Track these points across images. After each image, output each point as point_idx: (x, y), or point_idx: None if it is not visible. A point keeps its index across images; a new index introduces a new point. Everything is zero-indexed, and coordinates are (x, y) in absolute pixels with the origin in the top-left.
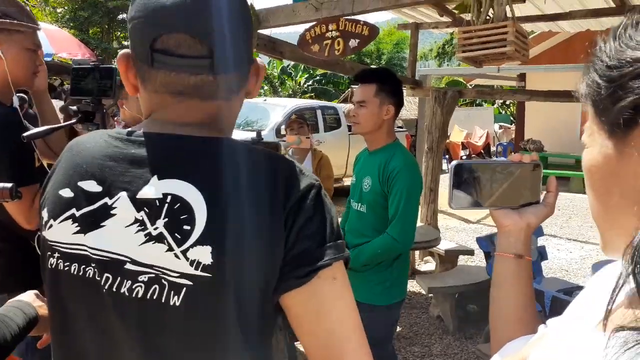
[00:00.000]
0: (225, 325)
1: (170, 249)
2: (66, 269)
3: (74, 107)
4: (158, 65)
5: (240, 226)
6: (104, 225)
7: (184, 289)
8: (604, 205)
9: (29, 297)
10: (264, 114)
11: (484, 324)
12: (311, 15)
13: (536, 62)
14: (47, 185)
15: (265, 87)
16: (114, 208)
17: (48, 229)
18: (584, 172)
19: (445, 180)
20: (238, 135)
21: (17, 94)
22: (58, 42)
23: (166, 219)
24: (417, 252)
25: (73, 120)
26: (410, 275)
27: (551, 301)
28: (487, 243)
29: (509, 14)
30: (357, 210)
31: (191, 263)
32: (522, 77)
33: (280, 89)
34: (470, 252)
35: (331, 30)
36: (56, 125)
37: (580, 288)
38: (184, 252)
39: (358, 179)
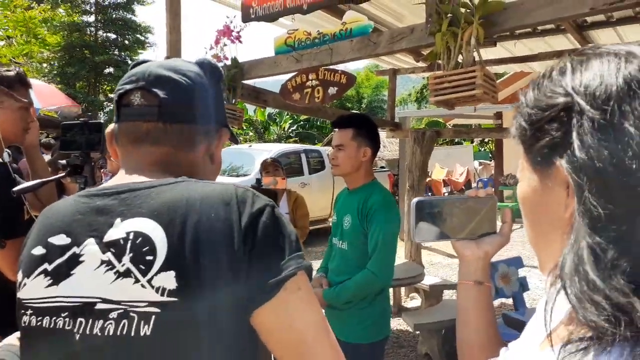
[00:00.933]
0: (199, 348)
1: (137, 280)
2: (38, 324)
3: (63, 161)
4: (122, 118)
5: (198, 248)
6: (74, 273)
7: (153, 317)
8: (535, 231)
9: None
10: (249, 160)
11: None
12: (292, 66)
13: (511, 100)
14: (23, 249)
15: (251, 134)
16: (82, 255)
17: (22, 289)
18: (519, 203)
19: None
20: (224, 181)
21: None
22: (45, 96)
23: (131, 254)
24: (402, 289)
25: (62, 174)
26: (397, 312)
27: None
28: None
29: (477, 58)
30: (340, 247)
31: (157, 290)
32: (498, 115)
33: (265, 135)
34: (455, 286)
35: (311, 80)
36: (45, 179)
37: None
38: (149, 281)
39: (339, 217)
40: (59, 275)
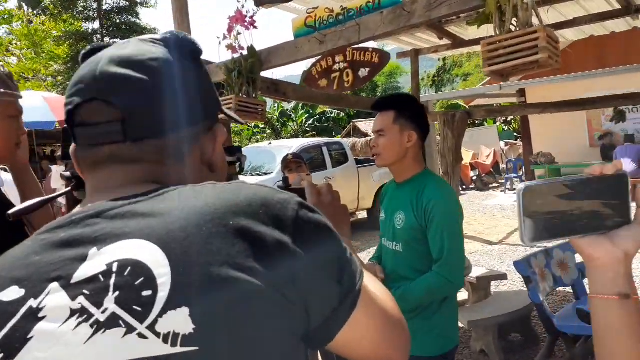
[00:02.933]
0: None
1: (130, 329)
2: None
3: (67, 173)
4: (80, 142)
5: (222, 269)
6: (31, 337)
7: None
8: None
9: None
10: (269, 158)
11: (531, 354)
12: (315, 49)
13: (534, 76)
14: None
15: (268, 131)
16: (42, 309)
17: None
18: None
19: (466, 203)
20: (246, 180)
21: None
22: (59, 109)
23: (117, 293)
24: None
25: (63, 191)
26: None
27: None
28: (525, 267)
29: (534, 20)
30: (393, 250)
31: (165, 339)
32: (521, 92)
33: (282, 131)
34: (503, 277)
35: (338, 62)
36: (46, 197)
37: None
38: (151, 327)
39: (388, 215)
40: (10, 349)
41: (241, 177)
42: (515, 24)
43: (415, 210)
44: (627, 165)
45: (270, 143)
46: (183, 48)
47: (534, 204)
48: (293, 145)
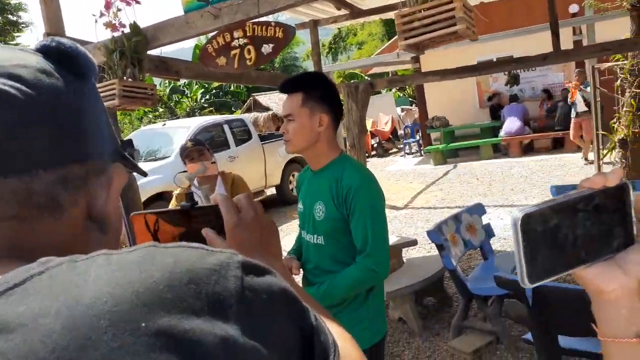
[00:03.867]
0: None
1: None
2: None
3: None
4: None
5: None
6: None
7: None
8: None
9: None
10: (165, 140)
11: (446, 316)
12: (210, 24)
13: None
14: None
15: (161, 109)
16: None
17: None
18: None
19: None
20: (142, 167)
21: None
22: None
23: None
24: None
25: None
26: None
27: (533, 292)
28: (438, 235)
29: None
30: (314, 243)
31: None
32: (415, 59)
33: (176, 109)
34: (414, 243)
35: (237, 38)
36: None
37: None
38: None
39: (306, 206)
40: None
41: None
42: None
43: (335, 199)
44: (514, 123)
45: (164, 124)
46: (67, 61)
47: (533, 234)
48: (191, 125)
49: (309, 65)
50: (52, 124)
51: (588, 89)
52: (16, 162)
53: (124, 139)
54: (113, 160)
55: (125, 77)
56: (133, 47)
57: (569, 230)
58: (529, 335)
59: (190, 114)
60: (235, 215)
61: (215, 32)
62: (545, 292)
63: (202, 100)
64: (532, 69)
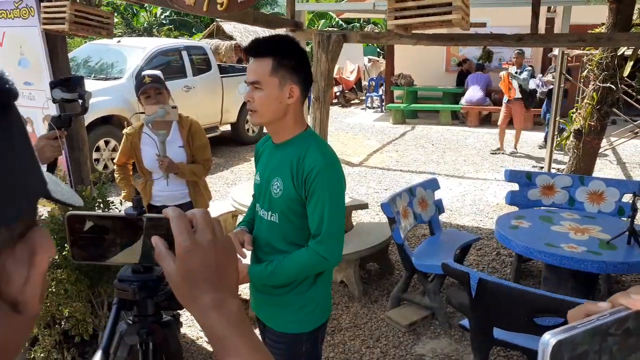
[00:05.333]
0: None
1: None
2: None
3: None
4: None
5: None
6: None
7: None
8: None
9: None
10: (120, 58)
11: (387, 283)
12: None
13: None
14: None
15: (116, 20)
16: None
17: None
18: None
19: (329, 121)
20: (90, 85)
21: None
22: None
23: None
24: None
25: None
26: None
27: (478, 284)
28: (391, 208)
29: None
30: (268, 220)
31: None
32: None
33: (133, 22)
34: (364, 206)
35: None
36: None
37: (477, 239)
38: None
39: (263, 180)
40: None
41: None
42: None
43: (295, 178)
44: (476, 92)
45: (119, 41)
46: None
47: None
48: (147, 45)
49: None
50: None
51: (524, 74)
52: None
53: (73, 76)
54: (33, 222)
55: (78, 0)
56: None
57: (596, 356)
58: (465, 322)
59: (148, 29)
60: (189, 238)
61: None
62: (488, 285)
63: (162, 17)
64: None
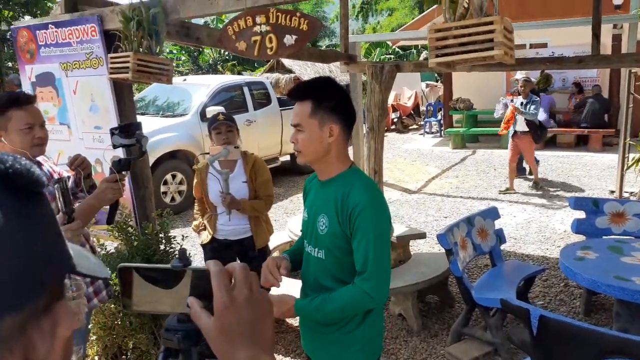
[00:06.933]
0: None
1: None
2: None
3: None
4: None
5: None
6: None
7: None
8: None
9: None
10: (185, 96)
11: (447, 316)
12: (232, 4)
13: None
14: None
15: (183, 58)
16: None
17: None
18: None
19: (386, 147)
20: (159, 122)
21: None
22: None
23: None
24: None
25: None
26: None
27: (539, 321)
28: (448, 240)
29: (487, 6)
30: (315, 256)
31: None
32: None
33: (199, 59)
34: (422, 236)
35: (260, 24)
36: None
37: (542, 270)
38: None
39: (310, 216)
40: None
41: (153, 119)
42: (466, 6)
43: (340, 215)
44: (541, 115)
45: (185, 79)
46: (7, 183)
47: None
48: (210, 83)
49: (338, 27)
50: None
51: (532, 108)
52: None
53: (131, 123)
54: (61, 296)
55: (141, 50)
56: (151, 19)
57: None
58: None
59: (213, 66)
60: (227, 295)
61: (238, 13)
62: (551, 323)
63: (226, 53)
64: None
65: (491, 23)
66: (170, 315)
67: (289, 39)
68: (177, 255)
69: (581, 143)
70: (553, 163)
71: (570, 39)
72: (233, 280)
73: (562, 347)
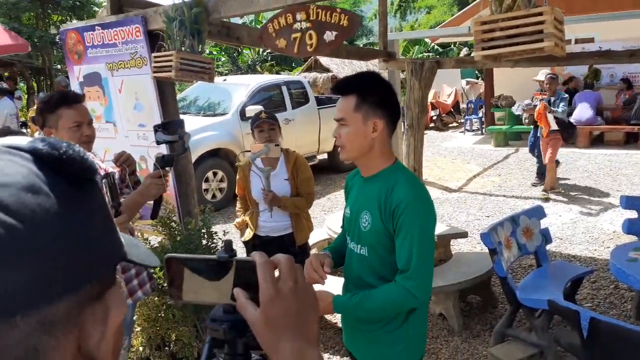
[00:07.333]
0: None
1: None
2: None
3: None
4: None
5: None
6: None
7: None
8: None
9: None
10: (225, 95)
11: (489, 317)
12: (272, 2)
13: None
14: None
15: (223, 59)
16: None
17: None
18: None
19: (426, 145)
20: (199, 122)
21: None
22: None
23: None
24: None
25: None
26: None
27: (590, 324)
28: (492, 239)
29: None
30: (358, 253)
31: None
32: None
33: (238, 59)
34: (464, 235)
35: (300, 21)
36: None
37: (590, 272)
38: None
39: (353, 212)
40: None
41: (194, 117)
42: None
43: (383, 212)
44: (585, 111)
45: (225, 79)
46: (60, 167)
47: None
48: (250, 82)
49: (375, 25)
50: (35, 261)
51: (561, 105)
52: (20, 299)
53: (173, 120)
54: (112, 283)
55: (183, 49)
56: (193, 18)
57: None
58: None
59: (252, 66)
60: (273, 286)
61: (278, 11)
62: (602, 326)
63: (264, 54)
64: None
65: (541, 14)
66: (215, 306)
67: (329, 35)
68: (222, 247)
69: (631, 140)
70: (601, 161)
71: (619, 33)
72: (278, 272)
73: (613, 351)
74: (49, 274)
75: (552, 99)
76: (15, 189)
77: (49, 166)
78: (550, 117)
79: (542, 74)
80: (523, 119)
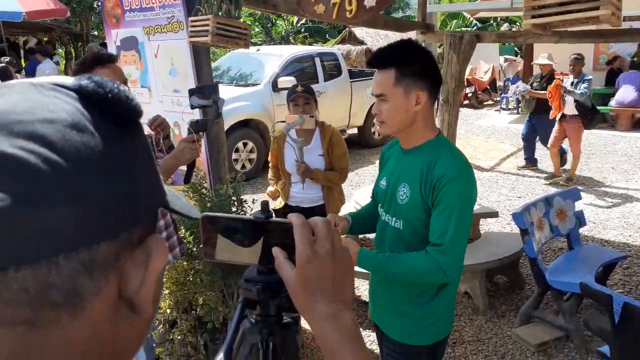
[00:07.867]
0: None
1: None
2: None
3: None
4: None
5: None
6: None
7: None
8: None
9: None
10: (258, 66)
11: (516, 298)
12: None
13: None
14: None
15: (257, 29)
16: None
17: None
18: None
19: (460, 122)
20: (231, 92)
21: None
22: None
23: None
24: None
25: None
26: None
27: (623, 309)
28: (524, 219)
29: None
30: (392, 226)
31: None
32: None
33: (271, 30)
34: (494, 214)
35: None
36: None
37: (624, 257)
38: None
39: (390, 184)
40: None
41: (226, 87)
42: None
43: (424, 186)
44: (629, 92)
45: (258, 49)
46: (106, 107)
47: None
48: (283, 53)
49: None
50: (79, 200)
51: (582, 86)
52: (29, 249)
53: (207, 84)
54: (153, 230)
55: (220, 13)
56: None
57: None
58: (605, 349)
59: (285, 37)
60: (310, 247)
61: None
62: (636, 312)
63: (298, 24)
64: None
65: None
66: (249, 267)
67: (370, 1)
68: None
69: None
70: None
71: None
72: (315, 235)
73: None
74: (93, 214)
75: (575, 81)
76: (61, 126)
77: (94, 105)
78: (570, 100)
79: (542, 57)
80: (522, 106)
